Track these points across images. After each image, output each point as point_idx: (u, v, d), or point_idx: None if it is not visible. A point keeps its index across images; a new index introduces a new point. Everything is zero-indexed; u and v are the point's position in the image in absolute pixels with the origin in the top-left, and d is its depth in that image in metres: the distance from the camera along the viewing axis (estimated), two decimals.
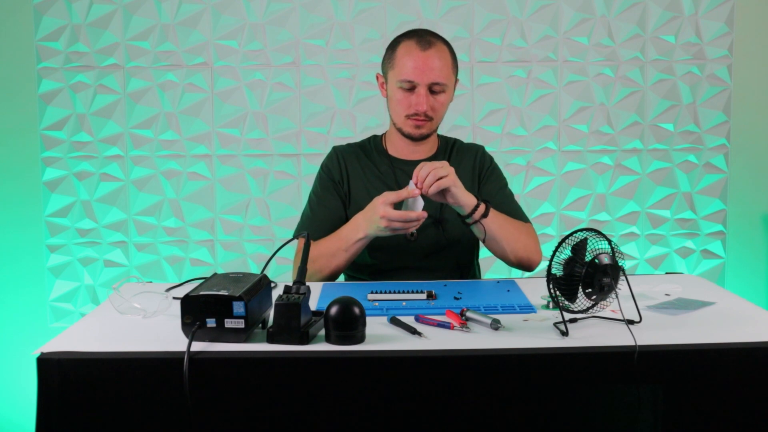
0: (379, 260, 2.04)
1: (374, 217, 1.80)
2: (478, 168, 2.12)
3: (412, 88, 1.98)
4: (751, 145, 3.09)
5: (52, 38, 2.97)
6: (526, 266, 2.02)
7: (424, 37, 2.00)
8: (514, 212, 2.08)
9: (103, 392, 1.34)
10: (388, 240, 1.99)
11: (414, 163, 2.11)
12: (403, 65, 1.98)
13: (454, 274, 2.06)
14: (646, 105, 3.06)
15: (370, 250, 2.02)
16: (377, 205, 1.80)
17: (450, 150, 2.14)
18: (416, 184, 1.80)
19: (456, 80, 2.07)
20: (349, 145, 2.18)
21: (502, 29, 3.01)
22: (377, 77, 2.10)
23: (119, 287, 1.66)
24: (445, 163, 1.83)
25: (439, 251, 2.05)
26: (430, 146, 2.13)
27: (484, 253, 2.87)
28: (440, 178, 1.80)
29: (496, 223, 1.91)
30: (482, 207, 1.87)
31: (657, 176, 3.09)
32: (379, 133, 2.20)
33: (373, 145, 2.15)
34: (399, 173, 2.09)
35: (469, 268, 2.12)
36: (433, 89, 1.98)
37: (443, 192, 1.82)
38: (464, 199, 1.85)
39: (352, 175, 2.10)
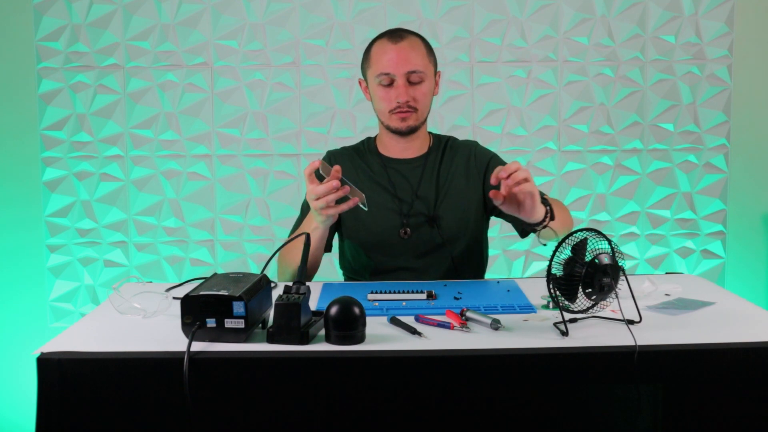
0: (375, 261, 2.04)
1: (306, 195, 1.77)
2: (474, 162, 2.11)
3: (390, 82, 2.00)
4: (751, 145, 3.08)
5: (52, 38, 2.97)
6: None
7: (395, 33, 2.05)
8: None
9: (103, 392, 1.34)
10: (384, 239, 2.00)
11: (406, 162, 2.12)
12: (378, 60, 2.01)
13: (450, 273, 2.06)
14: (646, 105, 3.06)
15: (367, 250, 2.03)
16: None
17: (444, 147, 2.14)
18: (502, 176, 1.63)
19: (437, 72, 2.09)
20: (343, 148, 2.20)
21: (502, 29, 3.01)
22: (359, 83, 2.13)
23: (119, 287, 1.66)
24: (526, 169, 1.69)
25: (434, 250, 2.05)
26: (420, 143, 2.13)
27: None
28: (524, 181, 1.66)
29: (557, 219, 1.82)
30: (550, 213, 1.77)
31: (657, 176, 3.09)
32: (374, 134, 2.21)
33: (366, 146, 2.16)
34: (391, 172, 2.10)
35: (466, 268, 2.11)
36: (411, 79, 2.00)
37: (518, 203, 1.67)
38: (540, 208, 1.73)
39: (343, 177, 2.10)
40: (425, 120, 2.09)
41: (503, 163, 2.14)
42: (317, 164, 1.73)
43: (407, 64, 1.99)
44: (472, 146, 2.16)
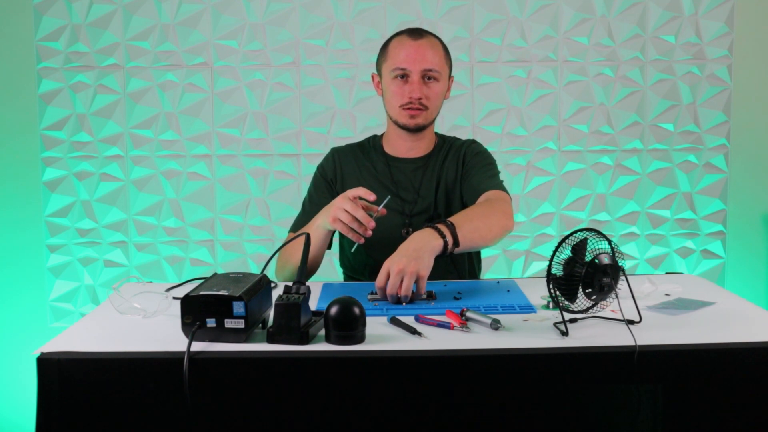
0: (375, 259, 2.04)
1: (338, 198, 1.78)
2: (460, 162, 2.11)
3: (405, 76, 2.01)
4: (751, 145, 3.08)
5: (52, 38, 2.97)
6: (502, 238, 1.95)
7: (416, 30, 2.06)
8: (488, 186, 2.00)
9: (103, 392, 1.34)
10: (385, 238, 2.00)
11: (411, 161, 2.12)
12: (396, 55, 2.02)
13: (450, 271, 2.06)
14: (646, 105, 3.06)
15: (367, 248, 2.04)
16: (352, 188, 1.80)
17: (447, 149, 2.14)
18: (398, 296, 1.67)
19: (451, 77, 2.09)
20: (348, 145, 2.20)
21: (502, 29, 3.01)
22: (372, 77, 2.13)
23: (119, 287, 1.66)
24: (387, 266, 1.66)
25: None
26: (426, 143, 2.13)
27: (484, 252, 2.86)
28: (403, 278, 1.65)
29: (468, 236, 1.78)
30: (450, 238, 1.73)
31: (657, 176, 3.09)
32: (379, 132, 2.21)
33: (372, 144, 2.17)
34: (395, 171, 2.10)
35: (463, 266, 2.11)
36: (426, 77, 2.01)
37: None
38: (432, 255, 1.70)
39: (347, 173, 2.12)
40: (433, 120, 2.10)
41: (479, 157, 2.11)
42: (383, 212, 1.80)
43: (424, 61, 2.00)
44: (466, 144, 2.16)
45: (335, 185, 2.12)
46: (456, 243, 1.73)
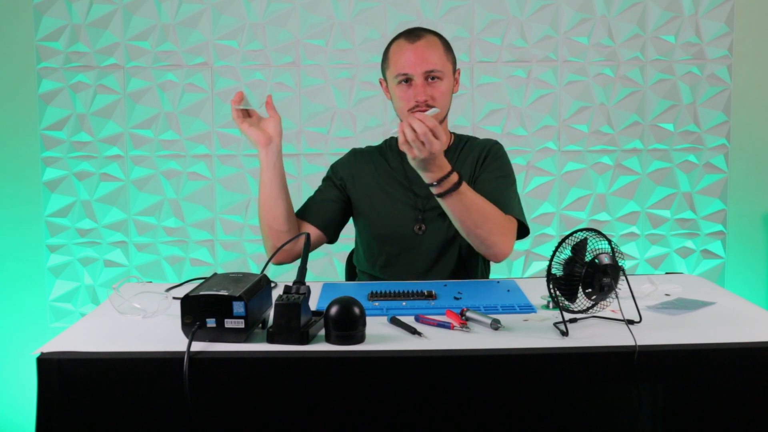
0: (387, 253, 2.07)
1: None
2: (481, 160, 2.11)
3: (409, 81, 2.01)
4: (751, 145, 3.09)
5: (52, 38, 2.97)
6: (487, 255, 1.94)
7: (412, 32, 2.06)
8: (500, 202, 2.00)
9: (103, 392, 1.34)
10: (398, 231, 2.05)
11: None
12: (396, 61, 2.03)
13: (459, 268, 2.06)
14: (646, 105, 3.06)
15: (380, 242, 2.06)
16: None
17: (463, 147, 2.15)
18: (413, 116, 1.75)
19: (456, 70, 2.09)
20: (368, 147, 2.24)
21: (502, 29, 3.01)
22: (380, 82, 2.15)
23: (119, 287, 1.66)
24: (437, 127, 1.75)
25: (446, 244, 2.05)
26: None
27: None
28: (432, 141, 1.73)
29: (467, 201, 1.82)
30: (454, 176, 1.78)
31: (657, 176, 3.09)
32: (377, 133, 2.22)
33: (388, 145, 2.20)
34: (408, 168, 2.10)
35: (474, 262, 2.11)
36: (429, 77, 2.01)
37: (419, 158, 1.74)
38: (437, 165, 1.77)
39: (362, 171, 2.14)
40: (445, 118, 2.09)
41: (499, 163, 2.11)
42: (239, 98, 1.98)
43: (424, 63, 2.00)
44: (486, 144, 2.15)
45: (346, 183, 2.13)
46: (456, 187, 1.78)
